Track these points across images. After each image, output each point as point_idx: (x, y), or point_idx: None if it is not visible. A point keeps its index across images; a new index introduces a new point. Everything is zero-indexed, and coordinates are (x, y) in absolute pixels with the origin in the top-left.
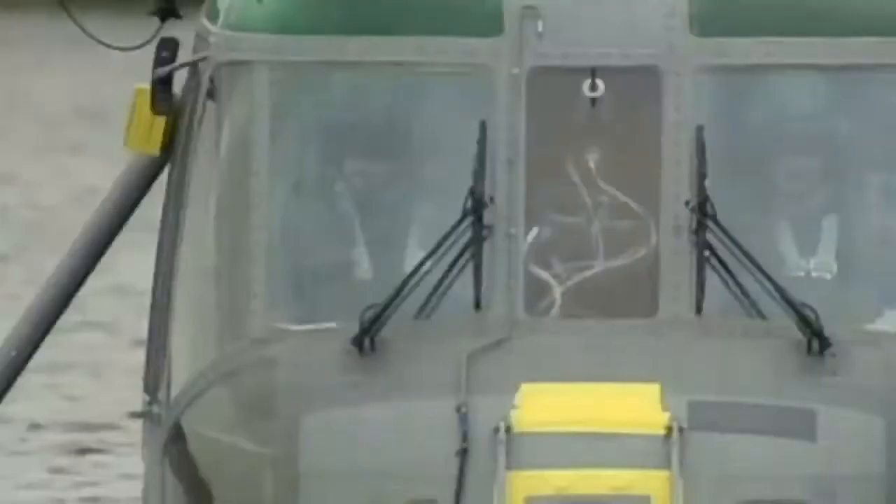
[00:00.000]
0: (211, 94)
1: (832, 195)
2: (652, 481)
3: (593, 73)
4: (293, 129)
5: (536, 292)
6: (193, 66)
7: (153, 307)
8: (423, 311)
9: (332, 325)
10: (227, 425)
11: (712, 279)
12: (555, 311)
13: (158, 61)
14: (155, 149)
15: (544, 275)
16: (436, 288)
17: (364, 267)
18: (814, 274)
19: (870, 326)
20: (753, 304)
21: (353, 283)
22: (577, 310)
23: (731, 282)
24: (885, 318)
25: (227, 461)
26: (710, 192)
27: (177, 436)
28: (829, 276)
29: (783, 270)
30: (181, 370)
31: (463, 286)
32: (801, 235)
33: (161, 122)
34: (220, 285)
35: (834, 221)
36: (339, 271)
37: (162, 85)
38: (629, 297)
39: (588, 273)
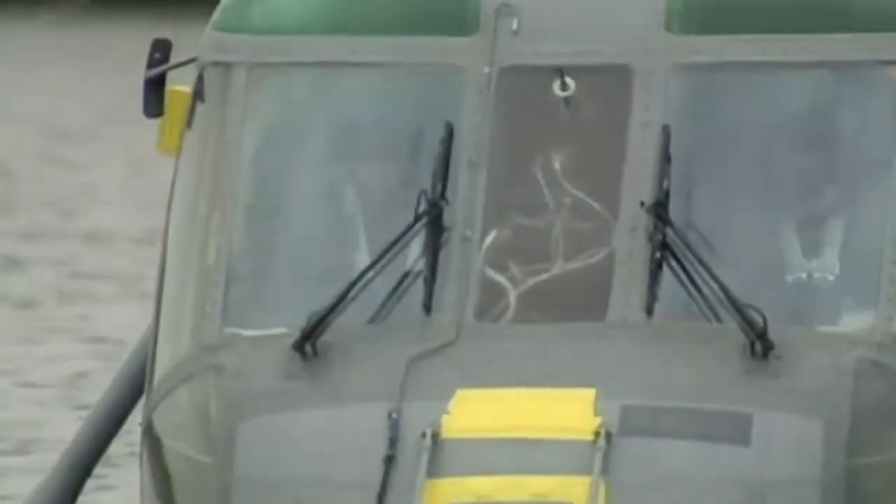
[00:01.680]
0: (200, 96)
1: (802, 195)
2: (574, 488)
3: (561, 72)
4: (265, 131)
5: (491, 297)
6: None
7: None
8: (378, 315)
9: (283, 330)
10: (178, 432)
11: (669, 282)
12: (508, 315)
13: (150, 63)
14: None
15: (499, 278)
16: (392, 292)
17: (322, 271)
18: (781, 276)
19: (822, 328)
20: (708, 308)
21: (308, 288)
22: (531, 314)
23: (684, 284)
24: (844, 320)
25: (178, 468)
26: (671, 193)
27: (145, 438)
28: (799, 278)
29: (745, 272)
30: (159, 373)
31: (420, 291)
32: (768, 236)
33: None
34: (185, 290)
35: (801, 222)
36: (296, 276)
37: (153, 87)
38: (582, 300)
39: (544, 276)
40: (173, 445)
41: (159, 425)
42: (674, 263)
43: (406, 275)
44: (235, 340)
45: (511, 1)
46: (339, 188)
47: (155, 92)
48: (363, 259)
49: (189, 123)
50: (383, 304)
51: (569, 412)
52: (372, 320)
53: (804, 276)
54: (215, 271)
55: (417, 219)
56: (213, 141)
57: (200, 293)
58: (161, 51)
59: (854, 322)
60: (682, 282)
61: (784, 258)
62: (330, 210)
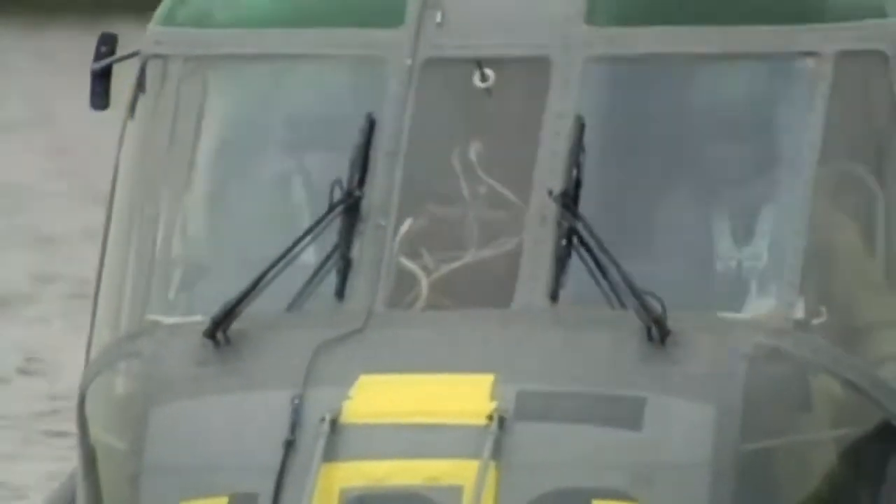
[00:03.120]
0: (141, 87)
1: (713, 186)
2: (466, 471)
3: (479, 64)
4: (196, 123)
5: (404, 284)
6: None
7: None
8: (294, 303)
9: (201, 318)
10: (99, 417)
11: (575, 269)
12: (420, 302)
13: (97, 56)
14: None
15: (412, 266)
16: (308, 280)
17: (243, 260)
18: (687, 263)
19: (723, 315)
20: (612, 294)
21: (230, 277)
22: (442, 301)
23: (588, 271)
24: (747, 306)
25: (100, 453)
26: (585, 182)
27: (77, 417)
28: (705, 265)
29: (652, 260)
30: (93, 354)
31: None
32: (677, 225)
33: None
34: (117, 276)
35: (711, 212)
36: (218, 265)
37: (99, 80)
38: (491, 287)
39: (455, 264)
40: (96, 430)
41: (87, 408)
42: (579, 251)
43: (323, 263)
44: (155, 328)
45: None
46: (263, 178)
47: (102, 84)
48: (283, 248)
49: (131, 114)
50: (299, 292)
51: (465, 397)
52: (289, 308)
53: (710, 263)
54: (141, 259)
55: (332, 208)
56: (149, 132)
57: (128, 280)
58: (107, 44)
59: (757, 308)
60: (586, 269)
61: (691, 246)
62: (254, 200)
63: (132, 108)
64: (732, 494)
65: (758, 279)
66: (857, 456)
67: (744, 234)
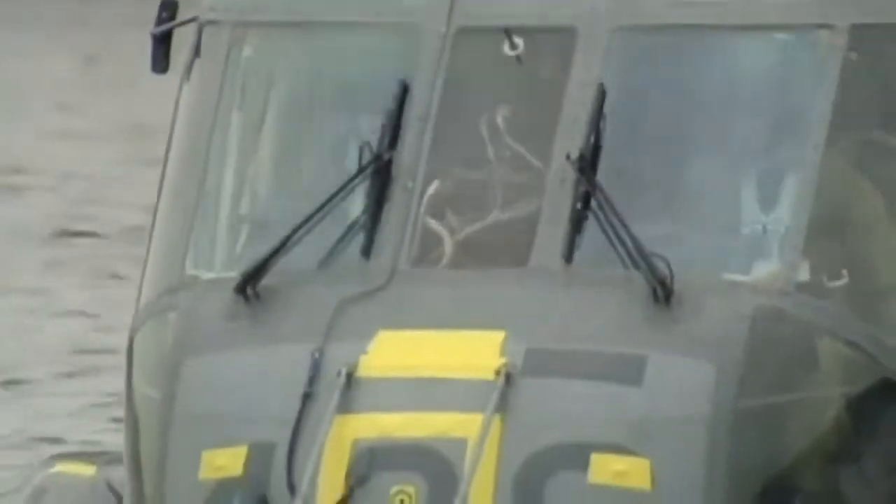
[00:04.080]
0: (197, 51)
1: (730, 153)
2: (472, 424)
3: (508, 32)
4: (241, 87)
5: (429, 244)
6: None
7: None
8: (324, 260)
9: (234, 273)
10: (140, 367)
11: (590, 231)
12: (444, 261)
13: (158, 21)
14: None
15: (437, 227)
16: (339, 239)
17: (280, 219)
18: (698, 227)
19: (727, 276)
20: (624, 256)
21: (268, 235)
22: (465, 260)
23: (603, 233)
24: (753, 268)
25: (139, 401)
26: (606, 148)
27: (126, 362)
28: (715, 229)
29: (665, 223)
30: (141, 303)
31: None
32: (692, 190)
33: None
34: (165, 231)
35: (726, 177)
36: (256, 223)
37: (159, 44)
38: (510, 248)
39: (478, 225)
40: (137, 378)
41: (133, 355)
42: (594, 213)
43: (354, 223)
44: (194, 282)
45: None
46: (303, 141)
47: (162, 48)
48: (314, 207)
49: (187, 77)
50: (330, 250)
51: (476, 353)
52: (319, 265)
53: (721, 228)
54: (186, 216)
55: (362, 170)
56: (198, 95)
57: (173, 235)
58: (168, 9)
59: (761, 271)
60: (601, 231)
61: (703, 211)
62: (293, 161)
63: (188, 71)
64: (730, 448)
65: (765, 243)
66: (857, 412)
67: (754, 200)
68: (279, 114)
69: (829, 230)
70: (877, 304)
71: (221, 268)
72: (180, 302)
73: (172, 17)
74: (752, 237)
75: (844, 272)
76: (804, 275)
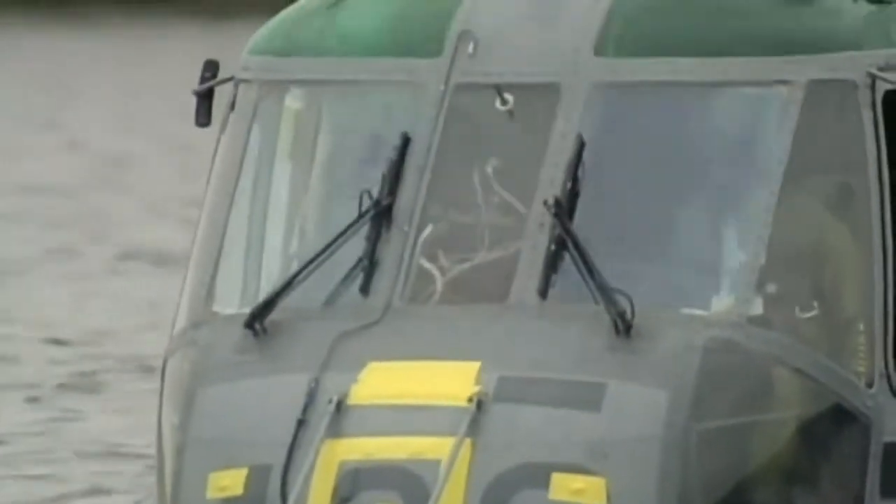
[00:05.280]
0: (232, 106)
1: (692, 196)
2: (445, 447)
3: (499, 89)
4: (263, 139)
5: (422, 282)
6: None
7: None
8: (328, 297)
9: (247, 310)
10: (167, 393)
11: (565, 270)
12: (435, 298)
13: (201, 80)
14: None
15: (430, 266)
16: (343, 278)
17: (291, 259)
18: (663, 266)
19: (685, 310)
20: (593, 292)
21: (281, 276)
22: (454, 297)
23: (575, 272)
24: (711, 303)
25: (164, 425)
26: (583, 194)
27: (160, 384)
28: (677, 267)
29: (633, 262)
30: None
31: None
32: (660, 232)
33: None
34: (195, 269)
35: (691, 220)
36: (269, 265)
37: (202, 100)
38: (494, 285)
39: (467, 265)
40: (163, 405)
41: (164, 381)
42: (567, 254)
43: (357, 263)
44: (214, 317)
45: (471, 27)
46: (316, 188)
47: (204, 105)
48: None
49: (223, 129)
50: (334, 288)
51: (453, 382)
52: (324, 303)
53: (682, 266)
54: (212, 256)
55: (362, 215)
56: (229, 145)
57: (201, 273)
58: (210, 69)
59: (718, 305)
60: (574, 270)
61: (668, 251)
62: (306, 207)
63: (224, 124)
64: (681, 467)
65: (721, 280)
66: (808, 435)
67: (715, 241)
68: (295, 162)
69: (785, 267)
70: (833, 335)
71: (240, 305)
72: (200, 336)
73: (214, 76)
74: (710, 275)
75: (798, 307)
76: (757, 309)
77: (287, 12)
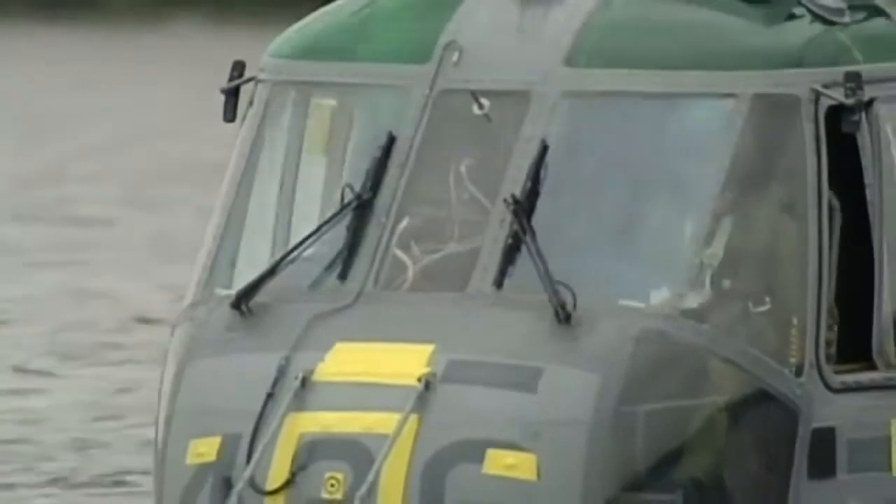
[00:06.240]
0: (251, 103)
1: (642, 197)
2: (393, 422)
3: (475, 95)
4: (266, 135)
5: (395, 270)
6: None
7: None
8: (312, 282)
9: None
10: (165, 367)
11: (520, 262)
12: (406, 286)
13: (229, 79)
14: None
15: (403, 256)
16: (328, 265)
17: (282, 246)
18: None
19: (623, 302)
20: (542, 283)
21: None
22: (422, 285)
23: (529, 264)
24: (651, 296)
25: (161, 395)
26: (543, 192)
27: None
28: (621, 262)
29: (581, 257)
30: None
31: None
32: (610, 230)
33: None
34: (203, 252)
35: (637, 220)
36: (264, 251)
37: (229, 97)
38: (457, 274)
39: (436, 256)
40: (162, 377)
41: (167, 356)
42: (527, 247)
43: (339, 251)
44: (210, 298)
45: (457, 38)
46: (308, 182)
47: (231, 101)
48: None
49: (241, 124)
50: (317, 274)
51: (407, 362)
52: (309, 287)
53: (626, 262)
54: (215, 240)
55: (343, 208)
56: (243, 140)
57: (204, 257)
58: (237, 69)
59: (655, 298)
60: (529, 262)
61: (616, 248)
62: (298, 200)
63: (243, 119)
64: (609, 447)
65: (661, 276)
66: (733, 419)
67: (658, 240)
68: (298, 158)
69: (721, 265)
70: (764, 328)
71: (235, 287)
72: (197, 314)
73: (240, 76)
74: (652, 271)
75: (731, 303)
76: (692, 303)
77: (308, 19)
